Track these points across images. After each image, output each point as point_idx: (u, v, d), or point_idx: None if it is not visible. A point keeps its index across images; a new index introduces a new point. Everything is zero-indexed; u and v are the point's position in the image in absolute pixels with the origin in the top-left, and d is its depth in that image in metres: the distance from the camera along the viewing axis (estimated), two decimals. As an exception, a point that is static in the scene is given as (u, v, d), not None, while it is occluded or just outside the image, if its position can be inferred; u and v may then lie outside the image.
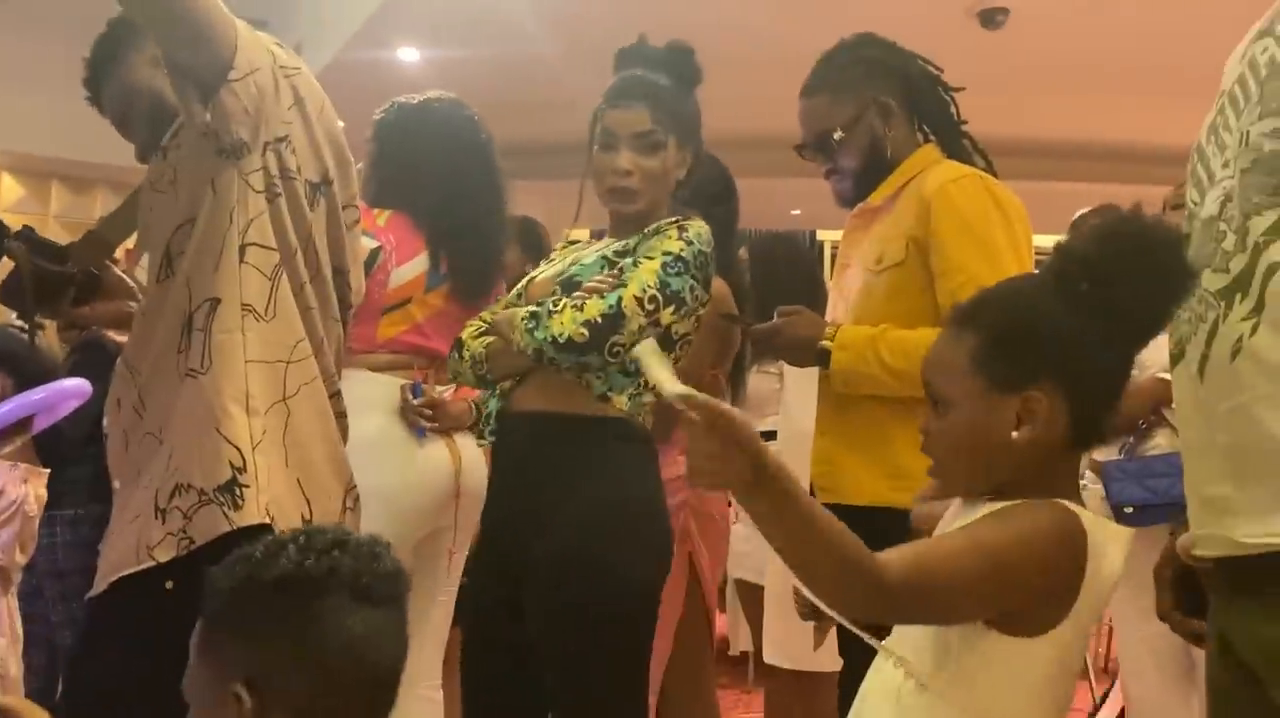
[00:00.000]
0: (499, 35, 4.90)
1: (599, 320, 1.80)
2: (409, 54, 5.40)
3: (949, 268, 1.85)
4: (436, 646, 2.43)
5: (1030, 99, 5.69)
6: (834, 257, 2.36)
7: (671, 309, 1.84)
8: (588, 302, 1.83)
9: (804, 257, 3.70)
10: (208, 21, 1.53)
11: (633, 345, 1.79)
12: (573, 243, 2.16)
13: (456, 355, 1.97)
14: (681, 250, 1.87)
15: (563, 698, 1.86)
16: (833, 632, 1.86)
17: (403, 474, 2.23)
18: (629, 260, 1.89)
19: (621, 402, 1.88)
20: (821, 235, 8.52)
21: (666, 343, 1.87)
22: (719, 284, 2.46)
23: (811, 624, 1.73)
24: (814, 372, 2.06)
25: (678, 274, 1.86)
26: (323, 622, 1.04)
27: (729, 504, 2.66)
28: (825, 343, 1.93)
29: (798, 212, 8.39)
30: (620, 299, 1.82)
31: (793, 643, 2.66)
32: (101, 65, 1.77)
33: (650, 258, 1.87)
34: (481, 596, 2.02)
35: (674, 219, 1.93)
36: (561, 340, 1.79)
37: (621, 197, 1.92)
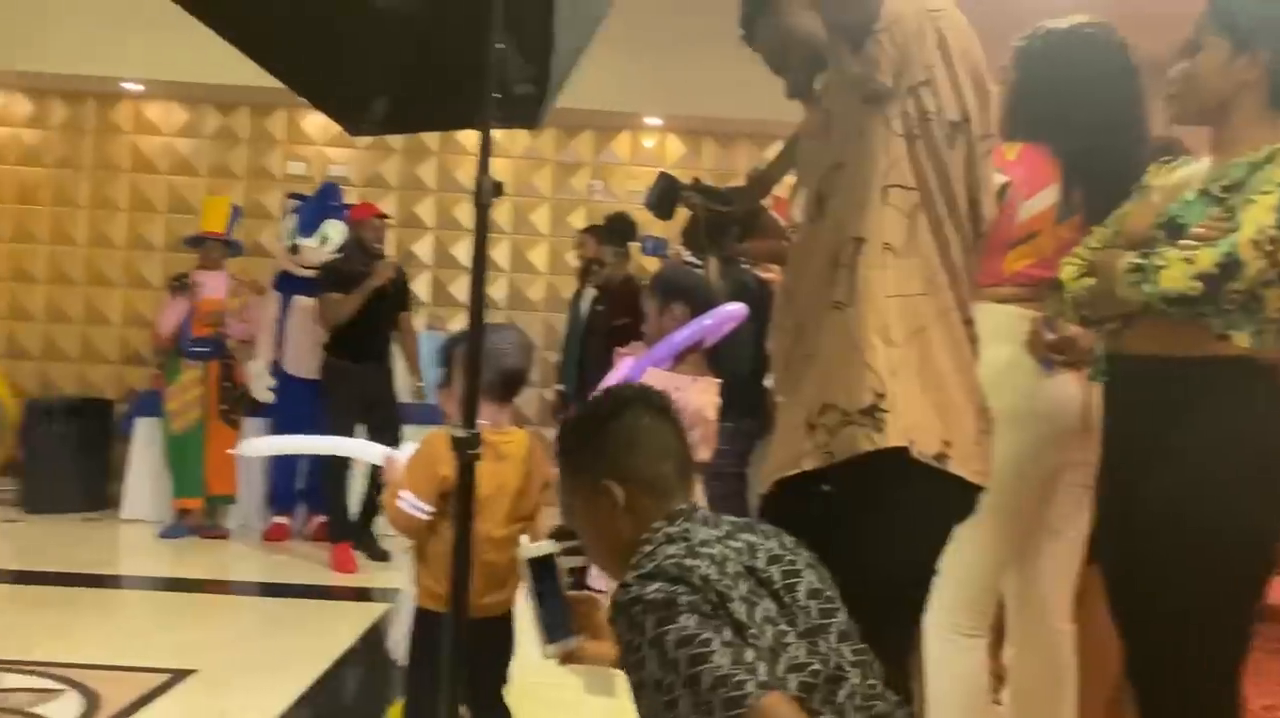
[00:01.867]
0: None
1: (1214, 272, 1.76)
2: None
3: None
4: (1066, 580, 2.42)
5: None
6: None
7: None
8: (1198, 252, 1.78)
9: None
10: None
11: (1253, 289, 1.75)
12: (1165, 160, 2.07)
13: (1056, 295, 2.00)
14: None
15: (1155, 635, 1.90)
16: None
17: (1028, 404, 2.24)
18: (1240, 198, 1.79)
19: (1243, 339, 1.81)
20: None
21: None
22: None
23: None
24: None
25: None
26: (635, 427, 1.53)
27: None
28: None
29: None
30: (1235, 246, 1.75)
31: None
32: (757, 6, 1.91)
33: (1266, 191, 1.77)
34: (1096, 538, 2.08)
35: None
36: (1173, 295, 1.79)
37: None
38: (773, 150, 7.47)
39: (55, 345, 7.08)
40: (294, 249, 5.99)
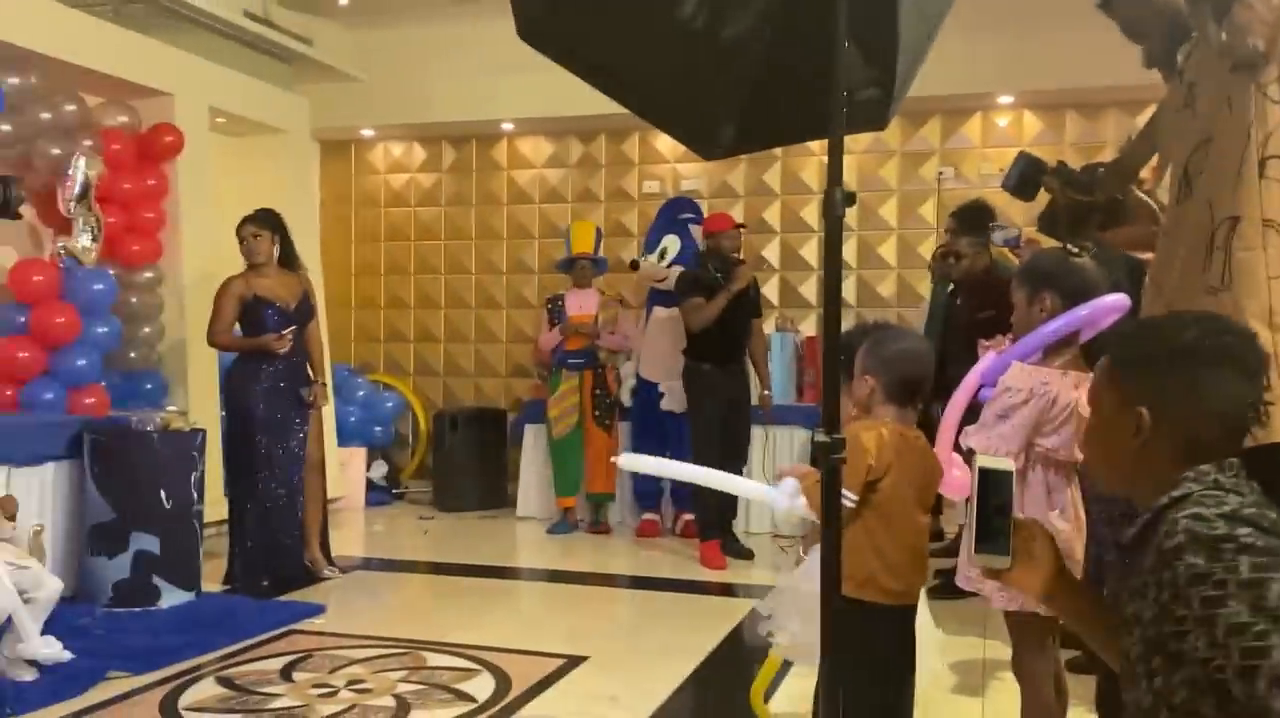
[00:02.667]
0: None
1: None
2: None
3: None
4: None
5: None
6: None
7: None
8: None
9: None
10: None
11: None
12: None
13: None
14: None
15: None
16: None
17: None
18: None
19: None
20: None
21: None
22: None
23: None
24: None
25: None
26: (1209, 384, 1.37)
27: None
28: None
29: None
30: None
31: None
32: None
33: None
34: None
35: None
36: None
37: None
38: (1144, 117, 6.93)
39: (455, 362, 7.98)
40: (634, 265, 6.44)
